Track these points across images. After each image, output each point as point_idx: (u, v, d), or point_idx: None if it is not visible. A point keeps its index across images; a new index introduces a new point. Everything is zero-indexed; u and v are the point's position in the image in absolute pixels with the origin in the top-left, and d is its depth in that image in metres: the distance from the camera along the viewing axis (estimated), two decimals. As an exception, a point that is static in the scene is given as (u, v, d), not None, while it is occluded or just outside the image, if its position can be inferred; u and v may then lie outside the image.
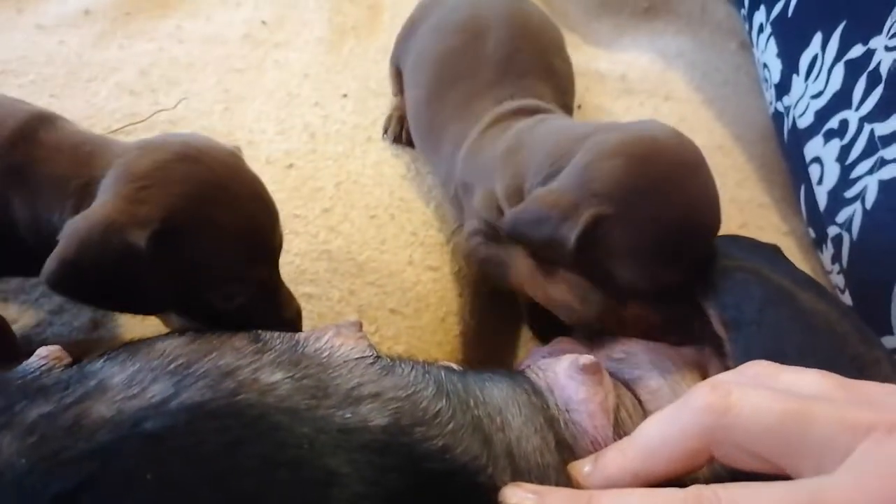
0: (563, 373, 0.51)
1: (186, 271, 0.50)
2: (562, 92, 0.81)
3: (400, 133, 0.94)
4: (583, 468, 0.43)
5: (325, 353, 0.46)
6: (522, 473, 0.43)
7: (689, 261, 0.56)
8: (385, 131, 0.95)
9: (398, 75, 0.95)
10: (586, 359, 0.50)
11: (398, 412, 0.42)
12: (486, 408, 0.47)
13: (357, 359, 0.45)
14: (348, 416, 0.40)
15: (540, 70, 0.79)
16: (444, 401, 0.44)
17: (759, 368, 0.41)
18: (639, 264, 0.57)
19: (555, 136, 0.65)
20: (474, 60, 0.78)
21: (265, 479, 0.37)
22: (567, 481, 0.43)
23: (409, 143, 0.93)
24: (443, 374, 0.48)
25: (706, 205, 0.58)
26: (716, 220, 0.58)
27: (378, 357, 0.46)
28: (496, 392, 0.49)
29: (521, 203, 0.62)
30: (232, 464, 0.37)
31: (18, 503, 0.35)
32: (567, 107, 0.82)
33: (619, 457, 0.41)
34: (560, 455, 0.45)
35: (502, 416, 0.46)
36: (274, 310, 0.56)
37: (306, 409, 0.40)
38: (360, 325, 0.50)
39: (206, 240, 0.50)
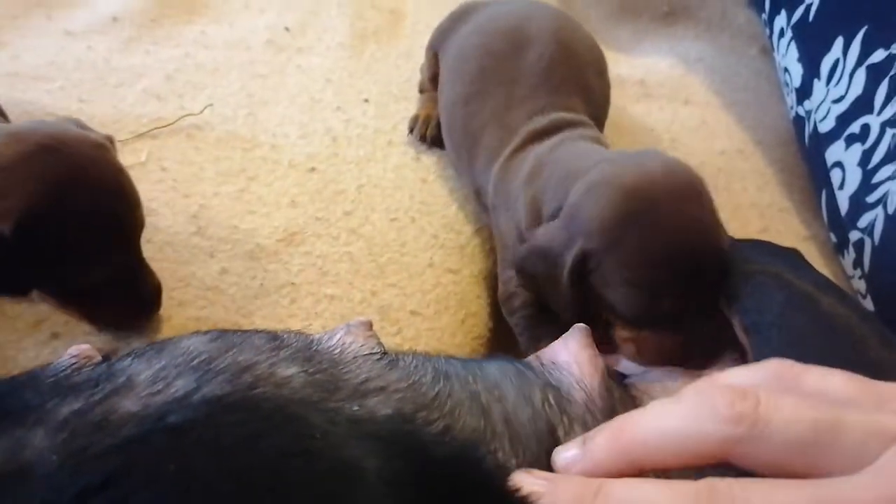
0: (558, 343, 0.54)
1: (48, 256, 0.56)
2: (595, 108, 0.83)
3: (426, 133, 0.94)
4: (567, 452, 0.41)
5: (337, 351, 0.48)
6: (520, 440, 0.44)
7: (688, 287, 0.56)
8: (410, 131, 0.96)
9: (434, 61, 0.95)
10: (581, 325, 0.53)
11: (401, 401, 0.43)
12: (485, 382, 0.48)
13: (366, 355, 0.48)
14: (356, 408, 0.42)
15: (575, 86, 0.80)
16: (441, 382, 0.46)
17: (782, 368, 0.39)
18: (634, 294, 0.57)
19: (567, 164, 0.67)
20: (514, 70, 0.80)
21: (281, 469, 0.38)
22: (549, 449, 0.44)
23: (435, 144, 0.94)
24: (443, 360, 0.51)
25: (700, 230, 0.58)
26: (715, 246, 0.58)
27: (385, 353, 0.49)
28: (493, 369, 0.51)
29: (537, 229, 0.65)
30: (250, 455, 0.38)
31: (46, 497, 0.36)
32: (599, 121, 0.83)
33: (612, 441, 0.39)
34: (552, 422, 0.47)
35: (499, 389, 0.48)
36: (131, 288, 0.63)
37: (318, 402, 0.42)
38: (370, 325, 0.52)
39: (65, 228, 0.56)
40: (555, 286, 0.61)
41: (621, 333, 0.61)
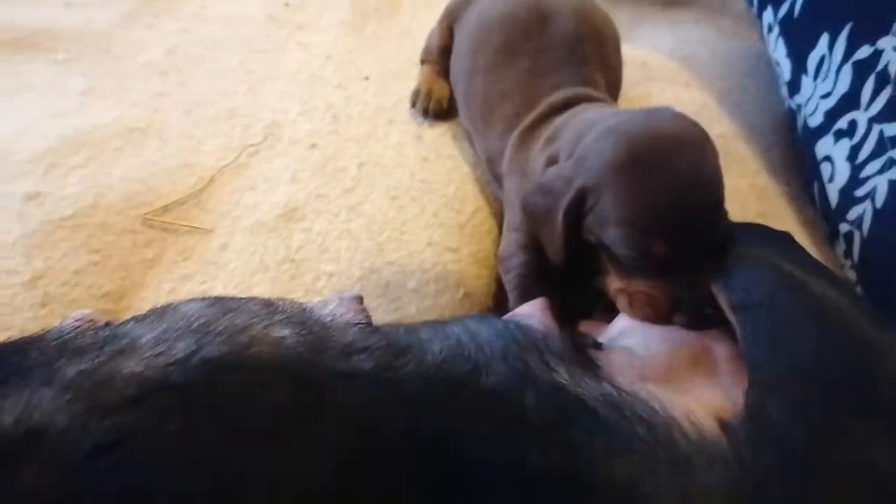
0: (518, 308, 0.63)
1: None
2: (613, 83, 0.85)
3: (428, 106, 0.95)
4: None
5: (329, 318, 0.52)
6: (485, 341, 0.52)
7: (680, 235, 0.58)
8: (413, 105, 0.97)
9: (448, 32, 0.95)
10: (541, 297, 0.65)
11: (381, 356, 0.48)
12: (447, 322, 0.56)
13: (354, 324, 0.52)
14: (342, 365, 0.46)
15: (598, 61, 0.82)
16: (411, 335, 0.52)
17: None
18: (627, 235, 0.59)
19: (582, 124, 0.69)
20: (539, 42, 0.81)
21: (277, 421, 0.41)
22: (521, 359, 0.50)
23: (437, 118, 0.95)
24: (417, 324, 0.56)
25: (697, 183, 0.59)
26: (710, 200, 0.60)
27: (370, 325, 0.53)
28: (464, 318, 0.57)
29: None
30: (247, 411, 0.41)
31: (60, 457, 0.37)
32: (614, 96, 0.86)
33: None
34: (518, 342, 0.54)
35: (461, 321, 0.55)
36: None
37: (308, 359, 0.46)
38: (361, 299, 0.58)
39: None
40: (551, 224, 0.64)
41: (614, 284, 0.63)
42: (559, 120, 0.74)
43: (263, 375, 0.43)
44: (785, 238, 0.65)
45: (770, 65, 1.13)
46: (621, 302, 0.63)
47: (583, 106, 0.75)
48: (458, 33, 0.93)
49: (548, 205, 0.64)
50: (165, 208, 0.78)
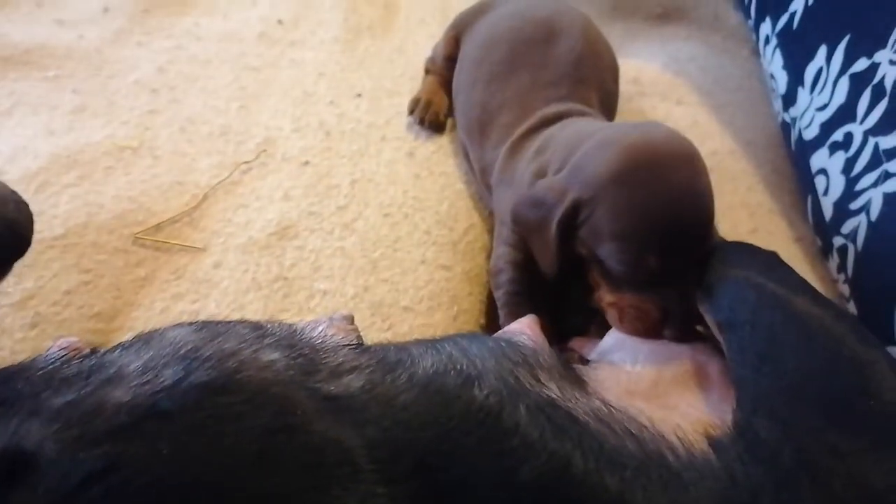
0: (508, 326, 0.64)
1: None
2: (606, 109, 0.86)
3: (425, 117, 0.96)
4: None
5: (319, 340, 0.52)
6: (477, 356, 0.51)
7: (674, 248, 0.58)
8: (410, 112, 0.97)
9: (454, 42, 0.97)
10: (531, 314, 0.65)
11: (372, 374, 0.48)
12: (440, 339, 0.56)
13: (345, 345, 0.52)
14: (332, 388, 0.46)
15: (596, 83, 0.84)
16: (402, 352, 0.52)
17: None
18: (622, 248, 0.59)
19: (573, 136, 0.69)
20: (543, 57, 0.83)
21: (266, 444, 0.41)
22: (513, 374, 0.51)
23: (433, 129, 0.96)
24: (408, 342, 0.56)
25: (693, 197, 0.60)
26: (704, 214, 0.61)
27: (361, 345, 0.53)
28: (455, 335, 0.57)
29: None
30: (237, 434, 0.41)
31: (51, 485, 0.37)
32: (610, 120, 0.87)
33: None
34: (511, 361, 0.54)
35: (453, 339, 0.55)
36: None
37: (299, 382, 0.46)
38: (351, 319, 0.57)
39: None
40: (543, 235, 0.64)
41: (605, 297, 0.63)
42: (549, 132, 0.75)
43: (251, 399, 0.43)
44: (771, 257, 0.65)
45: (761, 81, 1.14)
46: (611, 316, 0.63)
47: (573, 119, 0.76)
48: (465, 45, 0.94)
49: (540, 217, 0.64)
50: (157, 227, 0.78)
